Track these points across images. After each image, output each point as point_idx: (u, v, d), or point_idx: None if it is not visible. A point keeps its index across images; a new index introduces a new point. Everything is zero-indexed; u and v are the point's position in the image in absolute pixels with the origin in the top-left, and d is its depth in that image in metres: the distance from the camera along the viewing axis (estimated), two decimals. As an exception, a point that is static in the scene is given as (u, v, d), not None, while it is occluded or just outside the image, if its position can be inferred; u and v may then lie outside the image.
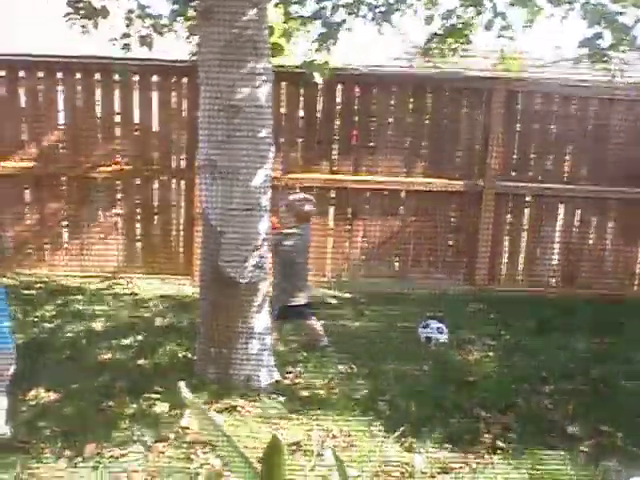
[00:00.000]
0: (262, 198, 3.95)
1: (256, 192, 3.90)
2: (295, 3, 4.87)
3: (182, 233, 6.49)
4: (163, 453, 3.42)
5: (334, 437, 3.63)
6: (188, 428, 3.62)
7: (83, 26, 5.11)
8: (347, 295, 6.15)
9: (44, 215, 6.40)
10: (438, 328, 5.03)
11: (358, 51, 5.62)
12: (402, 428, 3.68)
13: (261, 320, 4.17)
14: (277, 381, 4.25)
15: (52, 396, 3.97)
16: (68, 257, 6.47)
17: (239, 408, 3.87)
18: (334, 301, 5.98)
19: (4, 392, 3.56)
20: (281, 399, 4.04)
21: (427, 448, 3.56)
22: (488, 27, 4.63)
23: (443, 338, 5.00)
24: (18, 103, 6.22)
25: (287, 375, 4.36)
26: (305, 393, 4.14)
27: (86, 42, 5.56)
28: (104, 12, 4.86)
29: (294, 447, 3.47)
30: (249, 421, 3.75)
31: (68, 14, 5.19)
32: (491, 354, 4.92)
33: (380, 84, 6.30)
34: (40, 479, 3.17)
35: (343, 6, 4.78)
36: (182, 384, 1.79)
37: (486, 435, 3.72)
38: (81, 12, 5.05)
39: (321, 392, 4.16)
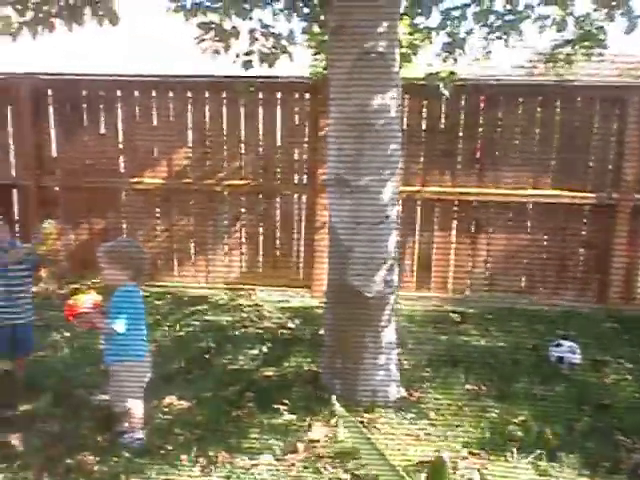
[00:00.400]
0: (391, 211, 3.92)
1: (385, 206, 3.87)
2: (421, 14, 4.83)
3: (303, 247, 6.57)
4: (293, 465, 3.44)
5: (464, 458, 3.53)
6: (317, 441, 3.64)
7: (216, 51, 5.22)
8: (471, 311, 6.00)
9: (173, 229, 6.66)
10: (570, 348, 4.80)
11: (480, 60, 5.46)
12: (536, 452, 3.53)
13: (388, 334, 4.13)
14: (403, 397, 4.19)
15: (184, 404, 4.09)
16: (195, 269, 6.70)
17: (365, 423, 3.84)
18: (457, 317, 5.84)
19: (141, 398, 3.70)
20: (408, 416, 3.98)
21: (563, 474, 3.39)
22: (629, 30, 4.38)
23: (576, 359, 4.76)
24: (151, 122, 6.52)
25: (413, 392, 4.29)
26: (432, 411, 4.05)
27: (211, 61, 5.71)
28: (235, 33, 4.99)
29: (420, 467, 3.41)
30: (376, 437, 3.70)
31: (198, 36, 5.34)
32: (629, 377, 4.64)
33: (505, 94, 6.14)
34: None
35: (475, 14, 4.66)
36: (334, 397, 1.78)
37: (627, 463, 3.50)
38: (212, 34, 5.17)
39: (449, 411, 4.06)
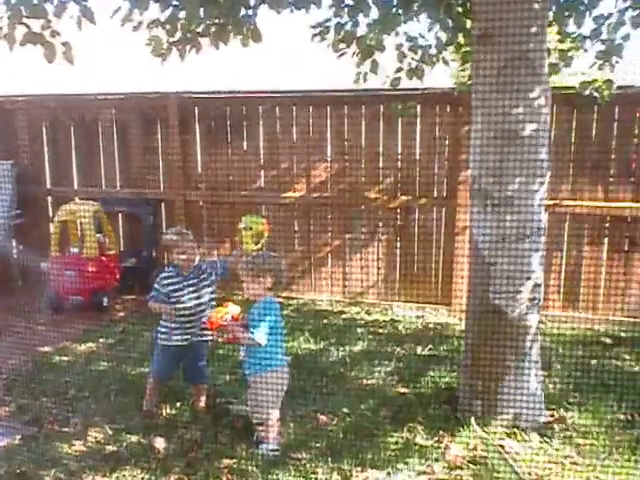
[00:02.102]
0: (537, 226, 3.72)
1: (530, 219, 3.69)
2: (568, 17, 4.58)
3: (442, 262, 6.42)
4: (430, 486, 3.33)
5: (616, 491, 3.27)
6: (455, 463, 3.50)
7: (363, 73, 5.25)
8: (624, 335, 5.59)
9: (311, 242, 6.73)
10: None
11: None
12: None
13: (532, 355, 3.92)
14: (548, 422, 3.95)
15: (319, 417, 4.08)
16: (332, 282, 6.72)
17: (506, 448, 3.64)
18: (608, 340, 5.46)
19: (278, 409, 3.72)
20: (552, 442, 3.75)
21: None
22: None
23: None
24: (291, 137, 6.63)
25: (559, 417, 4.04)
26: (579, 439, 3.78)
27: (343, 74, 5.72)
28: (380, 47, 4.99)
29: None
30: (518, 463, 3.50)
31: (340, 49, 5.34)
32: None
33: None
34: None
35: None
36: (473, 419, 1.68)
37: None
38: (354, 48, 5.18)
39: (598, 440, 3.77)
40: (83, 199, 6.97)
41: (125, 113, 7.04)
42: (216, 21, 4.64)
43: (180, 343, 4.04)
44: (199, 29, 4.70)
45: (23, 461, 3.62)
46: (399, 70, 5.23)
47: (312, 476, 3.39)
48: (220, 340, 4.17)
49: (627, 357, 5.09)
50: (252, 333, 3.55)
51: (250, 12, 4.60)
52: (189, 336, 4.03)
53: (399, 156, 6.39)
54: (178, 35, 4.75)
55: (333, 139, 6.54)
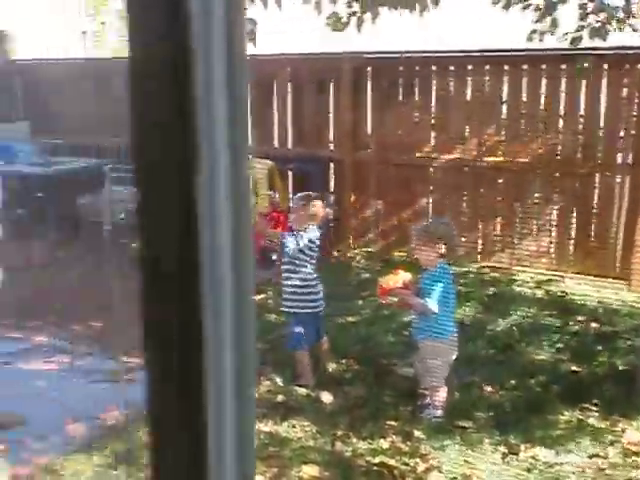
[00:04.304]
0: None
1: None
2: None
3: (621, 234, 6.01)
4: (602, 470, 3.19)
5: None
6: (630, 449, 3.33)
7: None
8: None
9: (479, 207, 6.54)
10: None
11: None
12: None
13: None
14: None
15: (487, 387, 4.01)
16: (501, 250, 6.51)
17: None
18: None
19: (446, 376, 3.70)
20: None
21: None
22: None
23: None
24: (464, 97, 6.44)
25: None
26: None
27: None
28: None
29: None
30: None
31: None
32: None
33: None
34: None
35: None
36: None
37: None
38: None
39: None
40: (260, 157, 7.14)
41: (300, 73, 7.12)
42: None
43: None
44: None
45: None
46: (580, 29, 4.90)
47: (479, 446, 3.36)
48: (391, 305, 4.21)
49: None
50: (425, 300, 3.54)
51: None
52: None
53: (581, 118, 6.01)
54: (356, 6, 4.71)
55: (510, 99, 6.25)
